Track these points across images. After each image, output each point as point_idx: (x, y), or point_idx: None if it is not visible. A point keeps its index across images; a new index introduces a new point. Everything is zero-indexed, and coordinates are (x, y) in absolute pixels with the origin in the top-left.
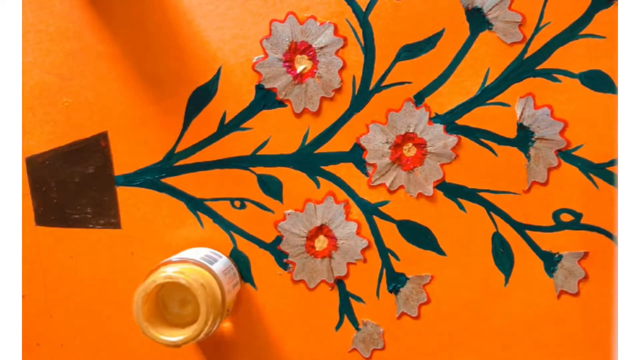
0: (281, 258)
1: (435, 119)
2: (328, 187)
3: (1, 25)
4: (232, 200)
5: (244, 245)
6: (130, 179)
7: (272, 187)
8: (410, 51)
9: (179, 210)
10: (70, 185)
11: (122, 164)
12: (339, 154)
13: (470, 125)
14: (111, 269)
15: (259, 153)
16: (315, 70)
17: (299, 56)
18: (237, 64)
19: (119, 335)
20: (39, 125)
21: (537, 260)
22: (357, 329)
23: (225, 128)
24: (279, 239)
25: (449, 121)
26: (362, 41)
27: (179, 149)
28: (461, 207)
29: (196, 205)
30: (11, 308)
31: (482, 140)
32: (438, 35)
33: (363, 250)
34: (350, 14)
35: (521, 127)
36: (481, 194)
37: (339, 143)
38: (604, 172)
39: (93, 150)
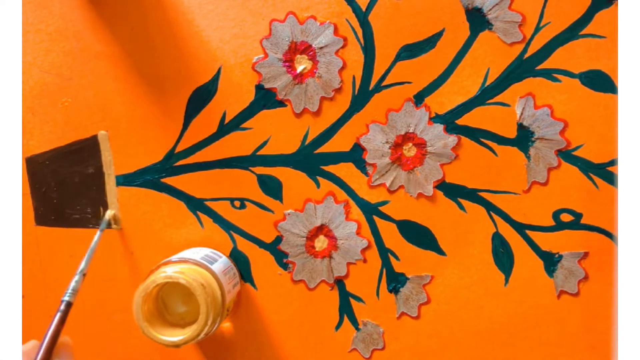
0: (281, 258)
1: (435, 119)
2: (328, 187)
3: (1, 25)
4: (232, 200)
5: (244, 245)
6: (130, 179)
7: (272, 187)
8: (410, 51)
9: (179, 210)
10: (70, 185)
11: (122, 164)
12: (339, 154)
13: (470, 125)
14: (111, 269)
15: (259, 153)
16: (315, 70)
17: (299, 56)
18: (237, 64)
19: (119, 335)
20: (39, 125)
21: (537, 260)
22: (357, 329)
23: (225, 128)
24: (279, 239)
25: (449, 121)
26: (362, 41)
27: (179, 149)
28: (461, 207)
29: (196, 205)
30: (11, 308)
31: (482, 140)
32: (438, 35)
33: (363, 250)
34: (350, 14)
35: (521, 127)
36: (481, 194)
37: (339, 143)
38: (604, 172)
39: (93, 150)
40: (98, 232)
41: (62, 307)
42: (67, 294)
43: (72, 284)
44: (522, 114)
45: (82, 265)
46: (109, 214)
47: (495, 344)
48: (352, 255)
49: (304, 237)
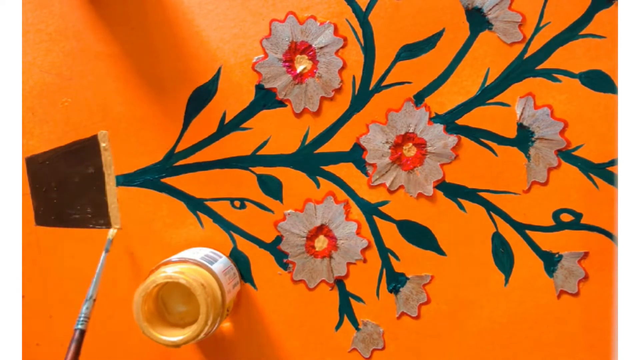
0: (281, 258)
1: (435, 119)
2: (328, 187)
3: (1, 25)
4: (232, 200)
5: (244, 245)
6: (130, 179)
7: (272, 187)
8: (410, 51)
9: (179, 210)
10: (70, 185)
11: (122, 164)
12: (339, 154)
13: (470, 125)
14: (111, 269)
15: (259, 153)
16: (315, 70)
17: (299, 56)
18: (237, 64)
19: (119, 335)
20: (39, 125)
21: (537, 260)
22: (357, 329)
23: (225, 128)
24: (279, 239)
25: (449, 121)
26: (362, 41)
27: (178, 149)
28: (461, 207)
29: (196, 205)
30: (11, 308)
31: (482, 140)
32: (438, 35)
33: (363, 250)
34: (350, 14)
35: (521, 127)
36: (481, 194)
37: (339, 143)
38: (604, 172)
39: (93, 150)
40: (103, 254)
41: (77, 335)
42: (80, 322)
43: (84, 310)
44: (522, 114)
45: (91, 291)
46: (111, 233)
47: (495, 344)
48: (352, 255)
49: (304, 237)
